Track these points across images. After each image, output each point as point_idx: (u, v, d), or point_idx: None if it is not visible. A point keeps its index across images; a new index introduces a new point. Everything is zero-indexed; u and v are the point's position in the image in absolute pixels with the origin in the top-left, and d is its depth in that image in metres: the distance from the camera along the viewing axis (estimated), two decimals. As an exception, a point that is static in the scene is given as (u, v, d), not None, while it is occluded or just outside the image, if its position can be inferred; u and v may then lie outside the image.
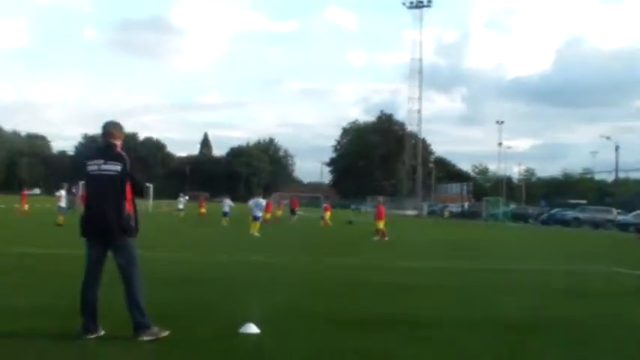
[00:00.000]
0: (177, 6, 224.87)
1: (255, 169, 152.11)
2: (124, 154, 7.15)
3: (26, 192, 43.00)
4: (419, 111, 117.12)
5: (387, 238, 28.14)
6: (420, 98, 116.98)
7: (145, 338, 6.80)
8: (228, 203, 38.62)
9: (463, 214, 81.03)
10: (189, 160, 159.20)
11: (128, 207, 7.04)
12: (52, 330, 7.19)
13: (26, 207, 39.03)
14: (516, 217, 72.44)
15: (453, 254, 22.47)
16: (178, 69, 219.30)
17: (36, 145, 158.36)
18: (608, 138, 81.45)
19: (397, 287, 12.57)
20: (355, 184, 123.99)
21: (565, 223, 61.32)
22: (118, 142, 7.25)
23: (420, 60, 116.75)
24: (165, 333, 6.95)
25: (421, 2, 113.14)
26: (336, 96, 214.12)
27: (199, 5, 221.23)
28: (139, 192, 7.29)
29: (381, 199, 34.07)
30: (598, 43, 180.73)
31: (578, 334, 8.47)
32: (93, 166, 7.08)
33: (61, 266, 13.54)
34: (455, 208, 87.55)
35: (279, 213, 47.37)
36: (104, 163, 7.03)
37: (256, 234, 27.51)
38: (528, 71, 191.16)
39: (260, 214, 29.50)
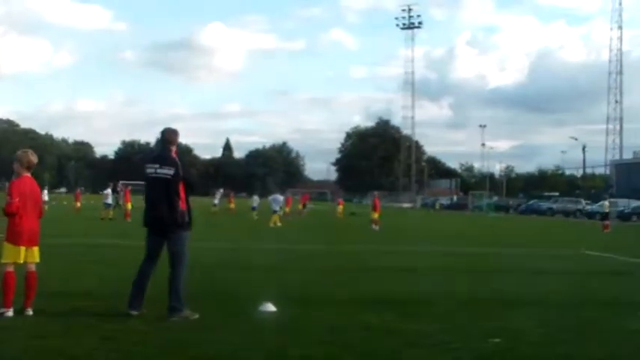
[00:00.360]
0: (202, 29, 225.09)
1: (270, 169, 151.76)
2: (176, 159, 7.12)
3: (79, 191, 42.68)
4: (412, 117, 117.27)
5: (378, 227, 28.21)
6: (412, 106, 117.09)
7: (175, 319, 6.75)
8: (256, 199, 38.27)
9: (452, 206, 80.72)
10: (213, 162, 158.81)
11: (182, 205, 7.02)
12: (96, 309, 7.14)
13: (78, 204, 38.86)
14: (499, 207, 72.18)
15: (444, 240, 22.38)
16: (204, 83, 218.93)
17: (81, 150, 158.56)
18: (575, 139, 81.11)
19: (395, 269, 12.52)
20: (358, 181, 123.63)
21: (540, 212, 61.11)
22: (173, 148, 7.23)
23: (413, 73, 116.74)
24: (195, 316, 6.87)
25: (412, 23, 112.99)
26: (339, 105, 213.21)
27: (222, 28, 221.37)
28: (192, 190, 7.27)
29: (376, 193, 33.82)
30: (565, 58, 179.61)
31: (555, 308, 8.39)
32: (150, 170, 7.07)
33: (104, 255, 13.54)
34: (445, 200, 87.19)
35: (300, 207, 46.78)
36: (159, 167, 7.03)
37: (274, 224, 27.71)
38: (506, 82, 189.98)
39: (278, 208, 29.61)
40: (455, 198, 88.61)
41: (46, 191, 42.57)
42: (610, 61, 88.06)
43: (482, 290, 10.03)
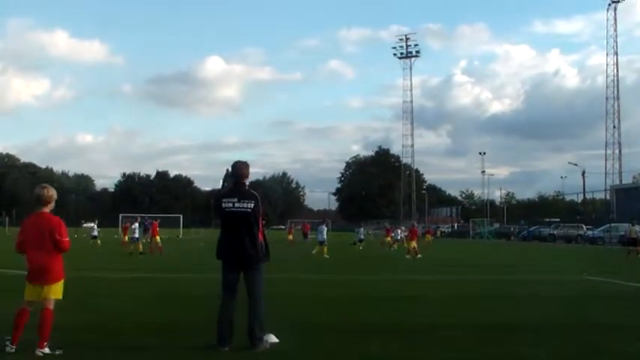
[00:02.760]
0: (201, 62, 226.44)
1: (270, 199, 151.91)
2: (255, 192, 7.13)
3: (127, 225, 39.96)
4: (412, 145, 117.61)
5: (419, 256, 28.62)
6: (412, 134, 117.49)
7: (261, 350, 6.81)
8: (361, 231, 37.01)
9: (453, 234, 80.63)
10: (213, 194, 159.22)
11: (260, 237, 7.05)
12: (97, 343, 7.12)
13: (126, 238, 36.72)
14: (500, 234, 72.09)
15: (446, 268, 22.29)
16: (203, 115, 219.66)
17: (82, 183, 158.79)
18: (575, 164, 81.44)
19: (400, 298, 12.48)
20: (358, 210, 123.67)
21: (542, 238, 61.00)
22: (246, 181, 7.20)
23: (411, 102, 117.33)
24: (274, 340, 7.03)
25: (410, 52, 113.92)
26: (339, 134, 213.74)
27: (220, 61, 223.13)
28: (267, 221, 7.27)
29: (415, 222, 33.87)
30: (561, 84, 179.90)
31: (559, 333, 8.35)
32: (228, 204, 7.00)
33: (115, 288, 13.50)
34: (446, 228, 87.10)
35: (391, 240, 41.62)
36: (238, 202, 6.98)
37: (325, 256, 27.84)
38: (503, 109, 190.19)
39: (323, 238, 29.72)
40: (456, 226, 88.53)
41: (94, 225, 40.88)
42: (607, 87, 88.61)
43: (487, 317, 9.98)
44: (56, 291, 6.63)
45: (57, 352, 6.45)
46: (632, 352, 7.30)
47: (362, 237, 36.43)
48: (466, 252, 38.28)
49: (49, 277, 6.58)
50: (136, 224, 32.52)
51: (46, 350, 6.44)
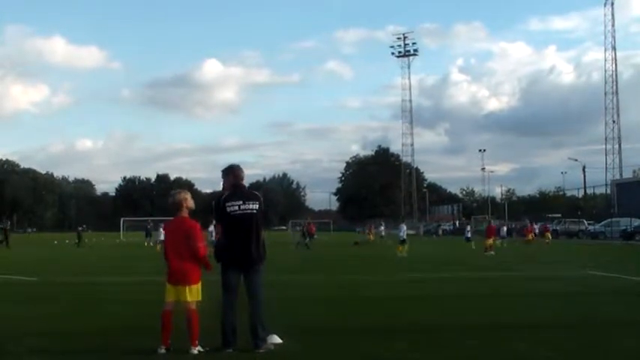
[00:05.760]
0: (198, 65, 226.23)
1: (271, 200, 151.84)
2: (258, 193, 7.27)
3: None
4: (411, 144, 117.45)
5: (492, 252, 29.46)
6: (412, 133, 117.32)
7: (263, 350, 6.84)
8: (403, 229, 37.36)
9: (454, 231, 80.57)
10: (214, 196, 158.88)
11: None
12: (101, 347, 7.14)
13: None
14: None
15: (448, 267, 22.29)
16: (202, 118, 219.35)
17: (82, 188, 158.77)
18: (575, 160, 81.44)
19: (401, 298, 12.49)
20: (359, 209, 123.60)
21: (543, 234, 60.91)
22: (243, 182, 7.32)
23: (410, 101, 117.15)
24: (278, 340, 7.06)
25: (408, 51, 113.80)
26: (338, 134, 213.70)
27: (218, 64, 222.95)
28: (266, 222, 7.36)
29: (491, 220, 34.44)
30: (558, 81, 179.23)
31: (562, 330, 8.35)
32: (233, 207, 7.04)
33: (116, 293, 13.48)
34: (447, 226, 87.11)
35: (532, 237, 43.26)
36: (243, 204, 7.06)
37: (403, 254, 28.35)
38: (502, 106, 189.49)
39: (403, 237, 30.27)
40: (457, 223, 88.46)
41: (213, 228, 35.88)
42: (605, 82, 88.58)
43: (489, 315, 9.99)
44: (195, 293, 6.84)
45: (207, 349, 6.80)
46: (634, 348, 7.30)
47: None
48: (467, 250, 38.23)
49: (186, 280, 6.79)
50: (212, 227, 32.21)
51: (199, 348, 6.73)
